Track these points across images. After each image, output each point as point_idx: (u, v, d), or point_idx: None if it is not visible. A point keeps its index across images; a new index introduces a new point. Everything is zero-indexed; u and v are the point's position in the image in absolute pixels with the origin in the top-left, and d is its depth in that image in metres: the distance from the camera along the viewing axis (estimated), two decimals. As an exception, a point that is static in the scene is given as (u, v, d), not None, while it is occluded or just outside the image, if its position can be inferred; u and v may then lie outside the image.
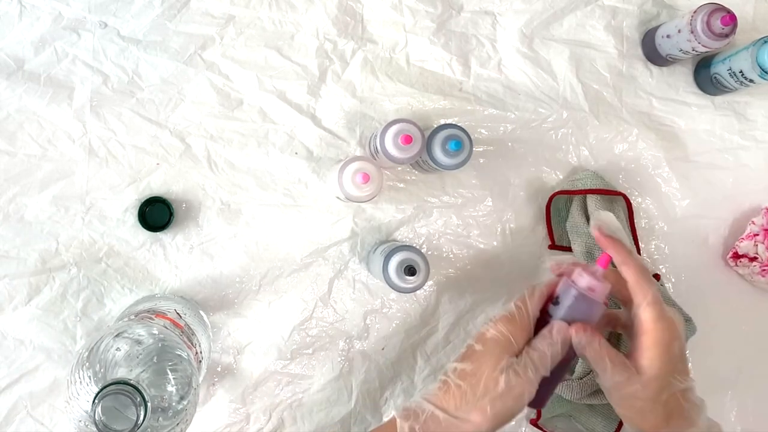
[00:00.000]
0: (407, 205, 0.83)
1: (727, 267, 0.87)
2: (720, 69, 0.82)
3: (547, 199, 0.84)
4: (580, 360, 0.81)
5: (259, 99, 0.81)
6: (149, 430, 0.55)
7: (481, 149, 0.84)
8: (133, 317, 0.68)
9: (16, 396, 0.76)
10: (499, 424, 0.54)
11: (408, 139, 0.71)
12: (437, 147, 0.74)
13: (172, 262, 0.79)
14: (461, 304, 0.84)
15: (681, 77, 0.87)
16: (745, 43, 0.80)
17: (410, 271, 0.72)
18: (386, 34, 0.83)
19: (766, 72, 0.76)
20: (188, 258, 0.79)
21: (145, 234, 0.78)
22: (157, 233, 0.78)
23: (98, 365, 0.56)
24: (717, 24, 0.76)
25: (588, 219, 0.82)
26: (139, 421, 0.52)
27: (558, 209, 0.85)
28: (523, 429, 0.84)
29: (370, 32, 0.83)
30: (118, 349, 0.57)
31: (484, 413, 0.53)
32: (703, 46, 0.77)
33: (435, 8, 0.83)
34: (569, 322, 0.55)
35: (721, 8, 0.76)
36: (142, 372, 0.56)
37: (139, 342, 0.58)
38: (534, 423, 0.83)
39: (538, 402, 0.55)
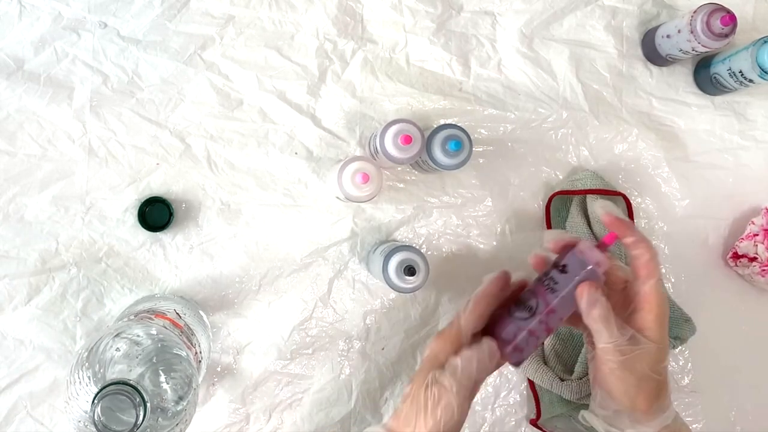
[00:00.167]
0: (407, 205, 0.83)
1: (727, 267, 0.87)
2: (720, 69, 0.82)
3: (547, 199, 0.84)
4: (579, 360, 0.81)
5: (259, 99, 0.81)
6: (149, 430, 0.55)
7: (481, 149, 0.84)
8: (132, 317, 0.68)
9: (16, 396, 0.76)
10: None
11: (408, 139, 0.71)
12: (437, 147, 0.74)
13: (172, 262, 0.79)
14: (461, 304, 0.83)
15: (681, 77, 0.87)
16: (744, 43, 0.80)
17: (410, 271, 0.72)
18: (386, 34, 0.83)
19: (765, 72, 0.76)
20: (188, 258, 0.79)
21: (145, 234, 0.78)
22: (157, 233, 0.78)
23: (98, 365, 0.56)
24: (717, 24, 0.76)
25: (588, 219, 0.82)
26: (139, 422, 0.52)
27: (558, 209, 0.85)
28: (523, 429, 0.84)
29: (370, 32, 0.83)
30: (117, 349, 0.57)
31: (421, 431, 0.55)
32: (703, 46, 0.77)
33: (435, 8, 0.83)
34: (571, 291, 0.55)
35: (720, 8, 0.76)
36: (141, 372, 0.56)
37: (138, 342, 0.58)
38: (534, 423, 0.83)
39: (516, 357, 0.56)
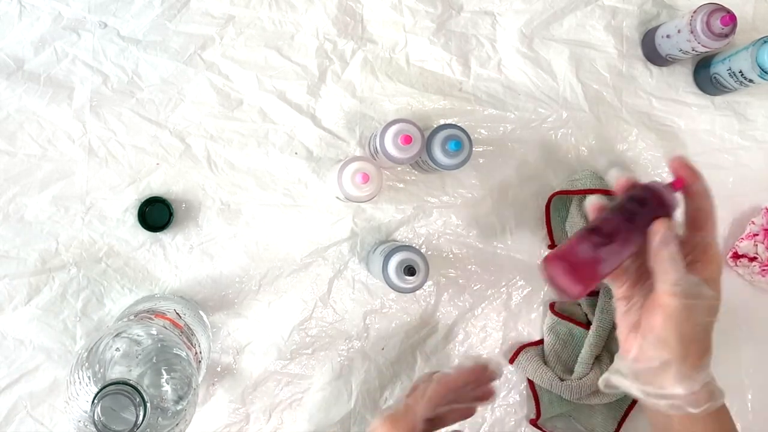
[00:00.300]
0: (407, 205, 0.83)
1: (727, 267, 0.87)
2: (720, 69, 0.82)
3: (547, 199, 0.84)
4: (579, 360, 0.81)
5: (259, 99, 0.81)
6: (148, 430, 0.55)
7: (481, 149, 0.84)
8: (132, 317, 0.68)
9: (16, 396, 0.76)
10: None
11: (408, 139, 0.71)
12: (437, 147, 0.74)
13: (172, 262, 0.79)
14: (461, 304, 0.84)
15: (681, 77, 0.87)
16: (744, 43, 0.80)
17: (410, 271, 0.72)
18: (386, 34, 0.83)
19: (765, 72, 0.76)
20: (188, 258, 0.79)
21: (145, 234, 0.78)
22: (157, 233, 0.78)
23: (98, 365, 0.56)
24: (717, 24, 0.76)
25: (587, 219, 0.82)
26: (139, 422, 0.52)
27: (558, 209, 0.85)
28: (523, 429, 0.84)
29: (370, 32, 0.83)
30: (117, 349, 0.57)
31: None
32: (703, 46, 0.77)
33: (435, 8, 0.83)
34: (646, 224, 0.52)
35: (720, 8, 0.76)
36: (141, 372, 0.56)
37: (138, 342, 0.58)
38: (534, 423, 0.83)
39: (585, 283, 0.51)
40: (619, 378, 0.54)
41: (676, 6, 0.87)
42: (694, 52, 0.79)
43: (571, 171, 0.85)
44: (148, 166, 0.79)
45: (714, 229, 0.53)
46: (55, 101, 0.78)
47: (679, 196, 0.53)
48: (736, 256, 0.85)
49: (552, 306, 0.84)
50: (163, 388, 0.57)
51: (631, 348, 0.53)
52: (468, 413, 0.63)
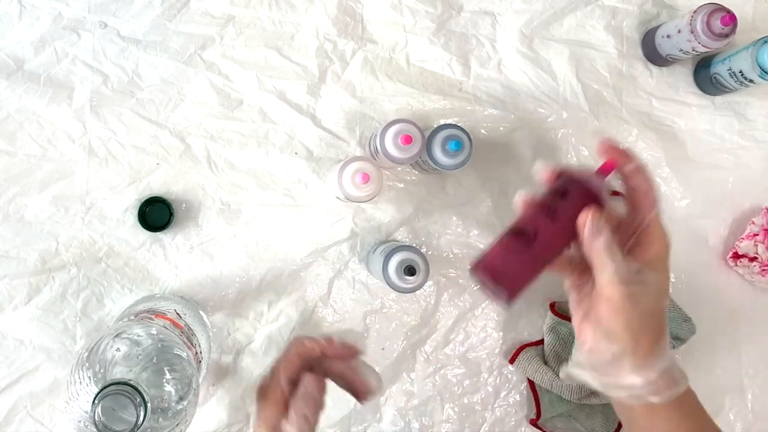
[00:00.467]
0: (407, 205, 0.83)
1: (727, 267, 0.87)
2: (720, 69, 0.82)
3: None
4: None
5: (259, 99, 0.81)
6: (149, 430, 0.54)
7: (481, 149, 0.84)
8: (132, 317, 0.68)
9: (16, 396, 0.76)
10: None
11: (408, 139, 0.71)
12: (437, 147, 0.74)
13: (172, 262, 0.79)
14: (461, 304, 0.84)
15: (681, 77, 0.87)
16: (745, 43, 0.80)
17: (410, 271, 0.72)
18: (386, 34, 0.83)
19: (766, 72, 0.76)
20: (188, 258, 0.79)
21: (145, 234, 0.78)
22: (157, 233, 0.78)
23: (98, 365, 0.56)
24: (717, 24, 0.76)
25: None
26: (139, 422, 0.52)
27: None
28: (523, 429, 0.84)
29: (370, 32, 0.83)
30: (117, 349, 0.57)
31: None
32: (703, 46, 0.77)
33: (435, 8, 0.83)
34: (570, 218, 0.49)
35: (721, 8, 0.76)
36: (141, 372, 0.56)
37: (138, 342, 0.58)
38: (534, 423, 0.83)
39: (510, 292, 0.48)
40: (579, 370, 0.53)
41: (676, 6, 0.87)
42: (694, 52, 0.79)
43: (571, 171, 0.85)
44: (148, 166, 0.79)
45: (654, 207, 0.51)
46: (55, 101, 0.78)
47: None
48: (737, 256, 0.85)
49: (552, 306, 0.84)
50: (164, 389, 0.57)
51: (585, 339, 0.51)
52: (319, 385, 0.57)
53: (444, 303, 0.83)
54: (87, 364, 0.56)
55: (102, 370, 0.56)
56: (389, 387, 0.82)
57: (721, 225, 0.87)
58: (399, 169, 0.82)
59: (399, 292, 0.74)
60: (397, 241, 0.82)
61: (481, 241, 0.84)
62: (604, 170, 0.51)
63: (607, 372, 0.50)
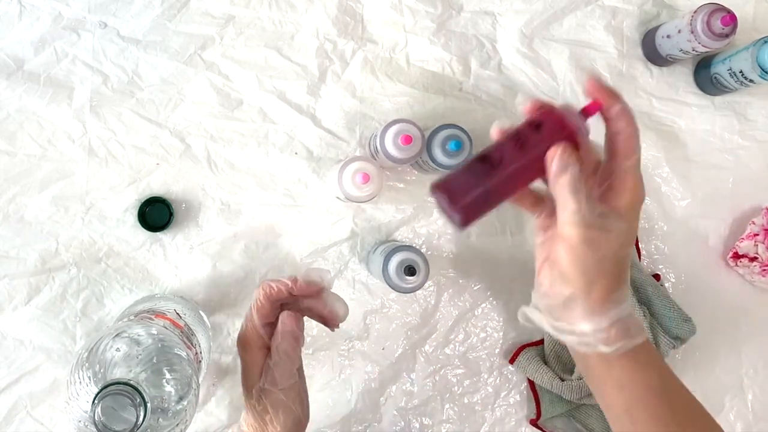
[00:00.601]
0: (407, 205, 0.83)
1: (727, 267, 0.87)
2: (720, 69, 0.82)
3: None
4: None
5: (259, 99, 0.81)
6: (149, 430, 0.54)
7: (481, 149, 0.84)
8: (132, 317, 0.68)
9: (16, 396, 0.76)
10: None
11: (408, 139, 0.71)
12: (437, 147, 0.74)
13: (172, 262, 0.79)
14: (461, 304, 0.84)
15: (681, 77, 0.87)
16: (745, 43, 0.80)
17: (410, 271, 0.72)
18: (386, 34, 0.83)
19: (766, 72, 0.76)
20: (188, 258, 0.79)
21: (145, 234, 0.78)
22: (157, 233, 0.78)
23: (98, 365, 0.56)
24: (717, 24, 0.76)
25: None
26: (139, 422, 0.52)
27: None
28: (523, 429, 0.84)
29: (370, 32, 0.83)
30: (117, 349, 0.57)
31: None
32: (703, 46, 0.77)
33: (435, 8, 0.83)
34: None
35: (721, 8, 0.76)
36: (141, 372, 0.56)
37: (138, 342, 0.58)
38: (534, 423, 0.83)
39: (465, 216, 0.47)
40: (533, 312, 0.52)
41: (676, 6, 0.87)
42: (694, 52, 0.79)
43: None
44: (148, 166, 0.79)
45: (634, 155, 0.49)
46: (55, 101, 0.78)
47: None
48: (737, 256, 0.85)
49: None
50: (164, 389, 0.57)
51: (543, 281, 0.50)
52: (296, 320, 0.58)
53: (444, 303, 0.83)
54: (87, 364, 0.56)
55: (102, 370, 0.56)
56: (389, 387, 0.82)
57: (721, 225, 0.87)
58: (399, 169, 0.82)
59: (399, 292, 0.74)
60: (397, 241, 0.82)
61: (481, 241, 0.84)
62: (588, 110, 0.49)
63: (559, 316, 0.49)
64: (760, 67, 0.76)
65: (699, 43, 0.77)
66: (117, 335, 0.59)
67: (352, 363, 0.82)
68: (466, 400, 0.84)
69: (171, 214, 0.77)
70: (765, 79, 0.77)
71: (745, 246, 0.84)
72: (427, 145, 0.74)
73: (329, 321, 0.59)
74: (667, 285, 0.86)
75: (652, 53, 0.85)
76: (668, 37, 0.81)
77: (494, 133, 0.49)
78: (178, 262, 0.79)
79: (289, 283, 0.57)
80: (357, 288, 0.82)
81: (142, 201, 0.78)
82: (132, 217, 0.78)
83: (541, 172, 0.47)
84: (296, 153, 0.81)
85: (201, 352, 0.70)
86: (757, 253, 0.84)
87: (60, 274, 0.77)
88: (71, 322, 0.77)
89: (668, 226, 0.87)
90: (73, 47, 0.78)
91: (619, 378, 0.50)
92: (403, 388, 0.83)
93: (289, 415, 0.57)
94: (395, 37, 0.83)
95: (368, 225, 0.82)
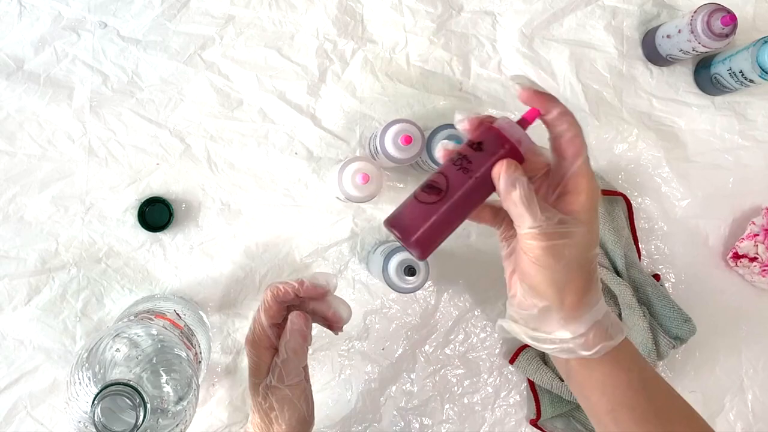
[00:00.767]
0: (407, 205, 0.83)
1: (727, 267, 0.87)
2: (720, 69, 0.82)
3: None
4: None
5: (259, 99, 0.81)
6: (149, 430, 0.54)
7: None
8: (132, 318, 0.68)
9: (16, 396, 0.76)
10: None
11: (408, 139, 0.71)
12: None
13: (172, 262, 0.79)
14: (461, 304, 0.84)
15: (681, 77, 0.87)
16: (745, 43, 0.80)
17: (410, 271, 0.72)
18: (386, 34, 0.83)
19: (766, 72, 0.76)
20: (188, 258, 0.79)
21: (145, 234, 0.78)
22: (157, 233, 0.78)
23: (97, 366, 0.56)
24: (717, 24, 0.76)
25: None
26: (139, 422, 0.52)
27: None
28: (523, 429, 0.84)
29: (370, 32, 0.83)
30: (117, 349, 0.57)
31: None
32: (704, 46, 0.77)
33: (435, 8, 0.83)
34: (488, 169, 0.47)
35: (721, 8, 0.76)
36: (141, 373, 0.56)
37: (138, 343, 0.58)
38: (534, 423, 0.83)
39: (420, 249, 0.48)
40: (511, 324, 0.51)
41: (676, 6, 0.87)
42: (694, 52, 0.79)
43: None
44: (148, 166, 0.79)
45: (580, 155, 0.48)
46: (55, 101, 0.78)
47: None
48: (737, 257, 0.85)
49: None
50: (164, 389, 0.57)
51: (515, 293, 0.50)
52: (304, 319, 0.59)
53: (444, 303, 0.83)
54: (87, 364, 0.56)
55: (102, 371, 0.56)
56: (389, 387, 0.82)
57: (721, 225, 0.87)
58: (399, 169, 0.82)
59: (399, 292, 0.74)
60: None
61: (481, 241, 0.84)
62: (527, 119, 0.49)
63: (535, 326, 0.49)
64: (760, 67, 0.76)
65: (699, 43, 0.77)
66: (117, 335, 0.59)
67: (352, 363, 0.82)
68: (466, 400, 0.84)
69: (171, 214, 0.77)
70: (765, 79, 0.77)
71: (745, 246, 0.84)
72: (427, 145, 0.74)
73: (333, 323, 0.61)
74: (667, 285, 0.86)
75: (652, 53, 0.85)
76: (668, 37, 0.81)
77: (439, 155, 0.50)
78: (178, 262, 0.79)
79: (296, 285, 0.58)
80: (357, 288, 0.82)
81: (142, 201, 0.78)
82: (132, 217, 0.78)
83: (489, 189, 0.47)
84: (296, 153, 0.81)
85: (201, 352, 0.70)
86: (757, 253, 0.84)
87: (60, 274, 0.77)
88: (71, 322, 0.77)
89: (668, 226, 0.87)
90: (73, 47, 0.78)
91: (600, 380, 0.50)
92: (403, 388, 0.83)
93: (294, 413, 0.58)
94: (395, 37, 0.83)
95: (368, 225, 0.82)
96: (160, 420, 0.55)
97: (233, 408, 0.80)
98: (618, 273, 0.82)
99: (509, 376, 0.84)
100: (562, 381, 0.80)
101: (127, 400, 0.52)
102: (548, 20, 0.85)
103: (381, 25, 0.83)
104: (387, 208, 0.82)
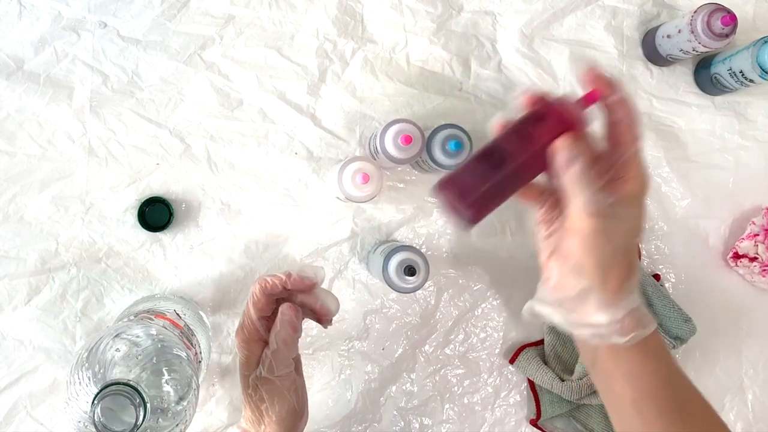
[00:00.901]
0: (407, 205, 0.83)
1: (727, 267, 0.87)
2: (720, 69, 0.82)
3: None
4: (579, 361, 0.81)
5: (259, 99, 0.81)
6: (149, 430, 0.55)
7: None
8: (132, 318, 0.68)
9: (16, 396, 0.76)
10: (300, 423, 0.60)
11: (408, 139, 0.71)
12: (437, 147, 0.74)
13: (172, 262, 0.79)
14: (461, 304, 0.84)
15: (681, 77, 0.87)
16: (745, 43, 0.80)
17: (410, 271, 0.72)
18: (386, 34, 0.83)
19: (766, 72, 0.76)
20: (188, 258, 0.79)
21: (145, 234, 0.78)
22: (157, 233, 0.78)
23: (97, 366, 0.56)
24: (717, 24, 0.76)
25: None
26: (139, 422, 0.52)
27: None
28: (523, 429, 0.84)
29: (370, 32, 0.83)
30: (117, 349, 0.57)
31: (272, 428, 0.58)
32: (704, 46, 0.77)
33: (435, 8, 0.83)
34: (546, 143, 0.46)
35: (721, 8, 0.76)
36: (141, 373, 0.56)
37: (138, 343, 0.58)
38: (534, 423, 0.83)
39: (472, 214, 0.47)
40: (542, 306, 0.51)
41: (676, 6, 0.87)
42: (694, 52, 0.79)
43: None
44: (148, 166, 0.79)
45: (635, 143, 0.48)
46: (55, 101, 0.78)
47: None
48: (737, 256, 0.85)
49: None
50: (163, 389, 0.57)
51: (551, 275, 0.50)
52: (295, 311, 0.60)
53: (444, 303, 0.83)
54: (86, 364, 0.56)
55: (101, 371, 0.56)
56: (389, 387, 0.82)
57: (721, 225, 0.87)
58: (399, 169, 0.82)
59: (399, 292, 0.74)
60: (397, 241, 0.82)
61: (481, 241, 0.84)
62: (588, 100, 0.48)
63: (572, 308, 0.49)
64: (760, 67, 0.76)
65: (699, 43, 0.77)
66: (117, 335, 0.59)
67: (352, 363, 0.82)
68: (466, 400, 0.84)
69: (171, 214, 0.77)
70: (765, 79, 0.77)
71: (745, 246, 0.84)
72: (427, 145, 0.74)
73: (321, 316, 0.61)
74: (667, 285, 0.86)
75: (652, 53, 0.85)
76: (668, 37, 0.81)
77: (495, 127, 0.49)
78: (178, 262, 0.79)
79: (284, 277, 0.59)
80: (357, 288, 0.82)
81: (142, 201, 0.78)
82: (132, 217, 0.78)
83: (545, 165, 0.47)
84: (296, 153, 0.81)
85: (201, 352, 0.70)
86: (757, 253, 0.84)
87: (60, 274, 0.77)
88: (71, 322, 0.77)
89: (668, 226, 0.87)
90: (73, 47, 0.78)
91: (628, 369, 0.50)
92: (403, 388, 0.83)
93: (284, 404, 0.58)
94: (395, 37, 0.83)
95: (368, 225, 0.82)
96: (160, 420, 0.55)
97: (233, 408, 0.80)
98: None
99: (509, 376, 0.84)
100: (563, 381, 0.80)
101: (127, 399, 0.52)
102: (548, 20, 0.85)
103: (381, 25, 0.83)
104: (387, 208, 0.82)
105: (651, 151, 0.86)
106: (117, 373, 0.56)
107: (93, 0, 0.79)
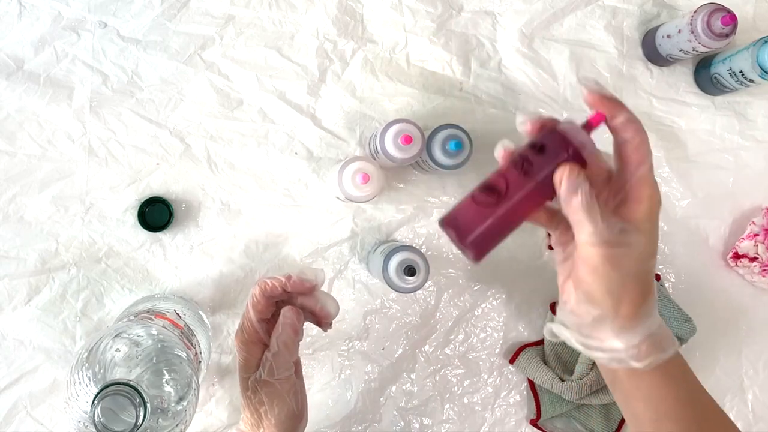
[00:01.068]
0: (407, 205, 0.83)
1: (727, 267, 0.87)
2: (720, 69, 0.82)
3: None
4: (579, 360, 0.81)
5: (259, 99, 0.81)
6: (149, 430, 0.55)
7: (481, 149, 0.84)
8: (132, 318, 0.68)
9: (16, 396, 0.76)
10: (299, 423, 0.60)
11: (408, 139, 0.71)
12: (437, 147, 0.74)
13: (172, 262, 0.79)
14: (461, 304, 0.84)
15: (681, 77, 0.87)
16: (745, 43, 0.80)
17: (410, 271, 0.72)
18: (386, 34, 0.83)
19: (766, 72, 0.76)
20: (188, 258, 0.79)
21: (145, 234, 0.78)
22: (157, 233, 0.78)
23: (97, 366, 0.56)
24: (717, 24, 0.75)
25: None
26: (139, 422, 0.52)
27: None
28: (523, 429, 0.84)
29: (370, 32, 0.83)
30: (117, 349, 0.57)
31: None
32: (704, 46, 0.77)
33: (435, 8, 0.83)
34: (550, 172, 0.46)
35: (721, 8, 0.76)
36: (141, 373, 0.56)
37: (138, 343, 0.58)
38: (534, 423, 0.83)
39: (477, 250, 0.46)
40: (562, 329, 0.50)
41: (676, 6, 0.87)
42: (694, 52, 0.79)
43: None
44: (148, 166, 0.79)
45: (644, 163, 0.47)
46: (55, 101, 0.78)
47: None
48: (737, 256, 0.85)
49: (553, 306, 0.84)
50: (164, 389, 0.57)
51: (568, 299, 0.49)
52: (296, 313, 0.60)
53: (444, 303, 0.83)
54: (87, 364, 0.56)
55: (102, 371, 0.56)
56: (389, 387, 0.82)
57: (721, 225, 0.87)
58: (399, 169, 0.82)
59: (399, 292, 0.74)
60: (397, 241, 0.82)
61: (481, 241, 0.84)
62: (592, 123, 0.47)
63: (588, 334, 0.48)
64: (760, 67, 0.76)
65: (699, 43, 0.77)
66: (117, 335, 0.59)
67: (352, 363, 0.82)
68: (466, 400, 0.84)
69: (171, 214, 0.77)
70: (765, 79, 0.77)
71: (745, 246, 0.84)
72: (427, 145, 0.74)
73: (321, 319, 0.61)
74: (667, 285, 0.86)
75: (652, 53, 0.85)
76: (668, 37, 0.81)
77: (499, 155, 0.49)
78: (178, 262, 0.79)
79: (284, 280, 0.59)
80: (357, 288, 0.82)
81: (142, 201, 0.78)
82: (132, 217, 0.78)
83: (550, 194, 0.46)
84: (296, 153, 0.81)
85: (201, 352, 0.70)
86: (757, 253, 0.84)
87: (60, 274, 0.77)
88: (71, 322, 0.77)
89: (668, 226, 0.86)
90: (73, 47, 0.78)
91: (647, 391, 0.50)
92: (403, 388, 0.83)
93: (283, 407, 0.58)
94: (395, 37, 0.83)
95: (368, 225, 0.82)
96: (160, 420, 0.55)
97: (233, 408, 0.80)
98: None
99: (509, 376, 0.84)
100: (563, 381, 0.80)
101: (127, 400, 0.52)
102: (548, 20, 0.85)
103: (381, 25, 0.83)
104: (387, 208, 0.82)
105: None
106: (117, 373, 0.56)
107: (93, 0, 0.79)
